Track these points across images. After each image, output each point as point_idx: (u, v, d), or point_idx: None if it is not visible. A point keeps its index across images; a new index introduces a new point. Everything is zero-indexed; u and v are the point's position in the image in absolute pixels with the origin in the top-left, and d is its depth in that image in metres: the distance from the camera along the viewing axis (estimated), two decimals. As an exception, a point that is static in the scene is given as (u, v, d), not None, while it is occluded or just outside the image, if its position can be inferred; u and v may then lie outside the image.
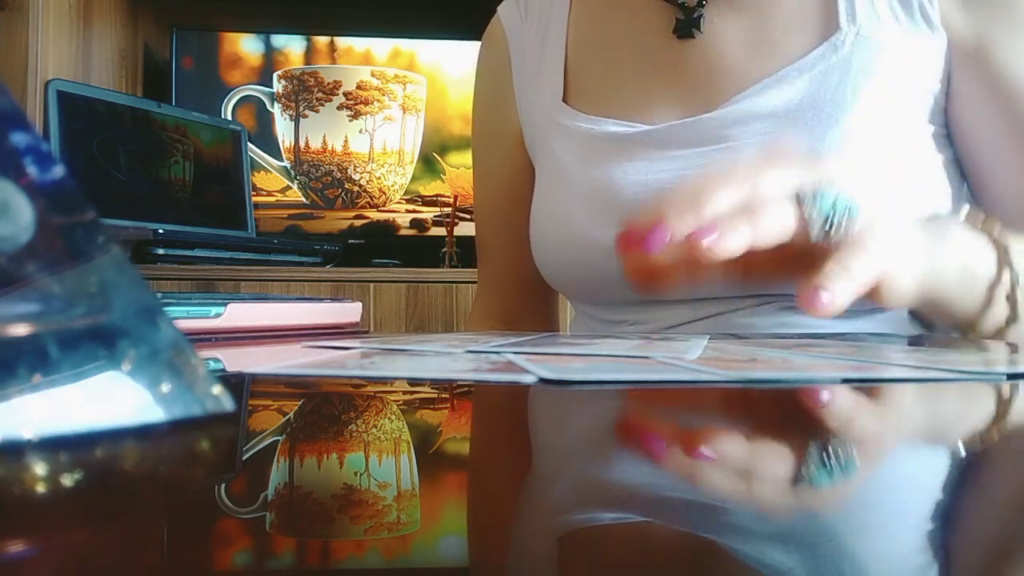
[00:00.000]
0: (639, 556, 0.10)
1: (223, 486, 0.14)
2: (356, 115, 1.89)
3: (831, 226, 0.39)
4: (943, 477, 0.15)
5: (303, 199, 1.88)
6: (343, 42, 1.92)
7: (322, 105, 1.88)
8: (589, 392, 0.23)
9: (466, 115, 1.85)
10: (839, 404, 0.21)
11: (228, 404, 0.17)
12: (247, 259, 1.60)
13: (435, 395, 0.25)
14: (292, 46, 1.91)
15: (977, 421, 0.20)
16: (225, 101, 1.87)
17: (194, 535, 0.11)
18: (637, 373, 0.26)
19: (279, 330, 0.52)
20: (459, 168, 1.92)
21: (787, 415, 0.20)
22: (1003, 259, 0.47)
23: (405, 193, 1.92)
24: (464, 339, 0.42)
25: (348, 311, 0.60)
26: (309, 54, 1.91)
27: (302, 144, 1.88)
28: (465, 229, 1.79)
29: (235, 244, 1.62)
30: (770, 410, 0.21)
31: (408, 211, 1.92)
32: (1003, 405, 0.23)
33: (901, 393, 0.24)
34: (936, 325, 0.51)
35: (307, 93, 1.89)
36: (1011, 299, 0.47)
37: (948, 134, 0.62)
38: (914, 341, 0.50)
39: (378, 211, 1.90)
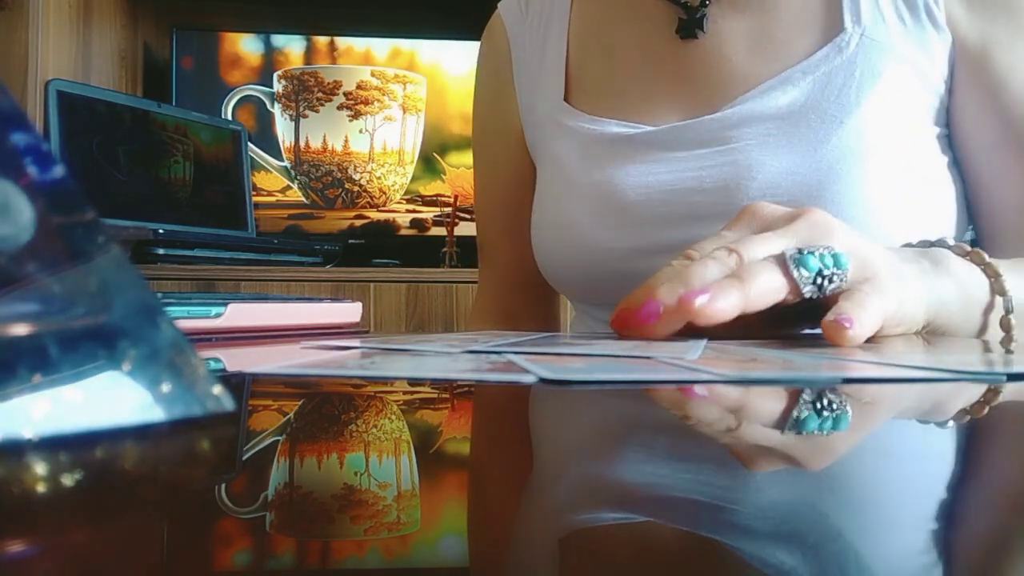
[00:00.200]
0: (639, 557, 0.10)
1: (223, 486, 0.14)
2: (356, 115, 1.89)
3: (822, 283, 0.40)
4: (943, 477, 0.15)
5: (303, 199, 1.88)
6: (343, 42, 1.92)
7: (322, 105, 1.89)
8: (589, 392, 0.23)
9: (466, 115, 1.85)
10: (839, 404, 0.21)
11: (228, 404, 0.17)
12: (247, 259, 1.60)
13: (435, 395, 0.25)
14: (292, 46, 1.91)
15: (977, 421, 0.20)
16: (225, 101, 1.87)
17: (194, 535, 0.11)
18: (637, 373, 0.26)
19: (279, 330, 0.52)
20: (459, 168, 1.92)
21: (787, 415, 0.20)
22: (995, 286, 0.48)
23: (405, 193, 1.92)
24: (464, 339, 0.42)
25: (348, 311, 0.60)
26: (309, 54, 1.91)
27: (302, 144, 1.88)
28: (465, 229, 1.79)
29: (235, 244, 1.62)
30: (770, 410, 0.21)
31: (408, 211, 1.92)
32: (1003, 405, 0.23)
33: (901, 393, 0.24)
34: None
35: (307, 93, 1.89)
36: (1004, 324, 0.48)
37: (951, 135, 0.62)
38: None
39: (378, 211, 1.90)
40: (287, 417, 0.21)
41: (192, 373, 0.17)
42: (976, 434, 0.19)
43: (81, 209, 0.17)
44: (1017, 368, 0.26)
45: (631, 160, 0.63)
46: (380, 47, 1.93)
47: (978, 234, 0.64)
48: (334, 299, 0.62)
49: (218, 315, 0.47)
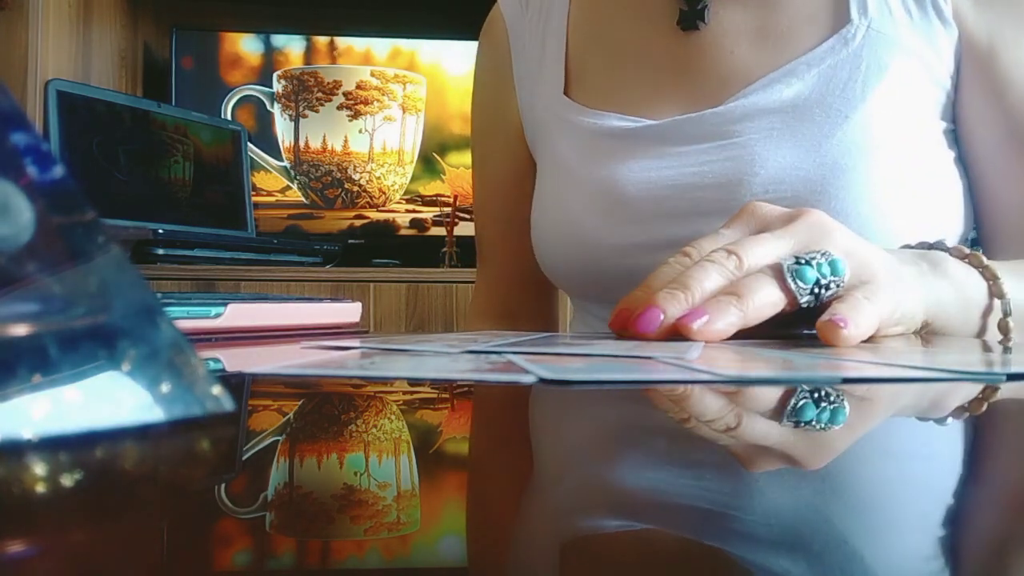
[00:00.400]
0: (639, 557, 0.10)
1: (223, 486, 0.14)
2: (356, 115, 1.89)
3: (819, 292, 0.40)
4: (944, 477, 0.15)
5: (303, 199, 1.88)
6: (343, 42, 1.92)
7: (322, 105, 1.89)
8: (589, 392, 0.23)
9: (466, 115, 1.85)
10: (838, 404, 0.21)
11: (228, 404, 0.17)
12: (247, 259, 1.60)
13: (435, 395, 0.25)
14: (292, 46, 1.91)
15: (977, 421, 0.20)
16: (225, 101, 1.87)
17: (194, 535, 0.11)
18: (637, 373, 0.26)
19: (279, 330, 0.52)
20: (459, 168, 1.92)
21: (787, 415, 0.20)
22: (994, 288, 0.48)
23: (405, 193, 1.92)
24: (464, 339, 0.42)
25: (348, 311, 0.60)
26: (309, 54, 1.91)
27: (302, 144, 1.88)
28: (465, 229, 1.79)
29: (235, 244, 1.62)
30: (770, 410, 0.21)
31: (408, 211, 1.92)
32: (1003, 405, 0.23)
33: (901, 393, 0.24)
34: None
35: (307, 93, 1.89)
36: (1002, 326, 0.48)
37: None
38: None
39: (378, 211, 1.90)
40: (287, 417, 0.21)
41: (192, 373, 0.17)
42: (977, 434, 0.19)
43: (81, 209, 0.17)
44: (1016, 368, 0.26)
45: (632, 155, 0.62)
46: (380, 47, 1.92)
47: (980, 233, 0.64)
48: (334, 299, 0.62)
49: (218, 315, 0.47)
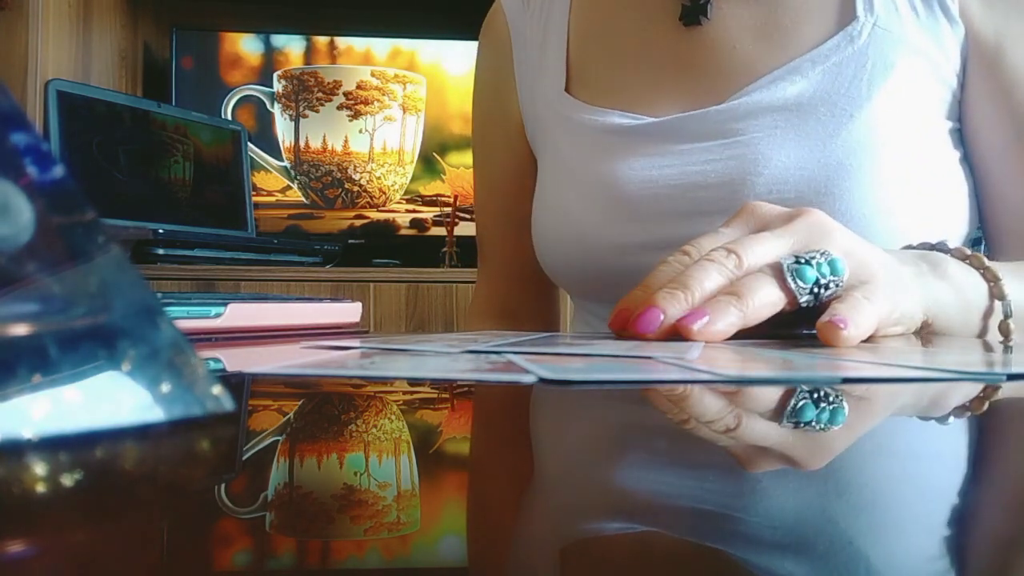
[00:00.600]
0: (638, 558, 0.10)
1: (223, 486, 0.14)
2: (356, 115, 1.89)
3: (818, 292, 0.40)
4: (945, 477, 0.15)
5: (303, 199, 1.88)
6: (343, 42, 1.92)
7: (322, 105, 1.89)
8: (589, 392, 0.23)
9: (466, 115, 1.85)
10: (838, 404, 0.21)
11: (228, 404, 0.17)
12: (247, 259, 1.60)
13: (435, 395, 0.25)
14: (292, 46, 1.91)
15: (978, 421, 0.20)
16: (225, 101, 1.87)
17: (194, 535, 0.11)
18: (637, 373, 0.26)
19: (279, 330, 0.52)
20: (459, 168, 1.92)
21: (787, 416, 0.20)
22: (994, 290, 0.48)
23: (405, 193, 1.92)
24: (464, 339, 0.42)
25: (348, 311, 0.60)
26: (309, 54, 1.91)
27: (302, 144, 1.88)
28: (465, 229, 1.79)
29: (235, 244, 1.62)
30: (770, 410, 0.21)
31: (408, 211, 1.92)
32: (1003, 405, 0.23)
33: (901, 393, 0.24)
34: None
35: (307, 93, 1.89)
36: (1003, 328, 0.48)
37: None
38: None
39: (378, 211, 1.90)
40: (287, 417, 0.21)
41: (192, 373, 0.17)
42: (977, 434, 0.19)
43: (81, 209, 0.17)
44: (1017, 368, 0.26)
45: (633, 152, 0.62)
46: (380, 47, 1.93)
47: (984, 232, 0.63)
48: (334, 299, 0.61)
49: (218, 315, 0.47)
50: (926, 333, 0.46)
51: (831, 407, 0.21)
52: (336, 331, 0.57)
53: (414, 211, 1.92)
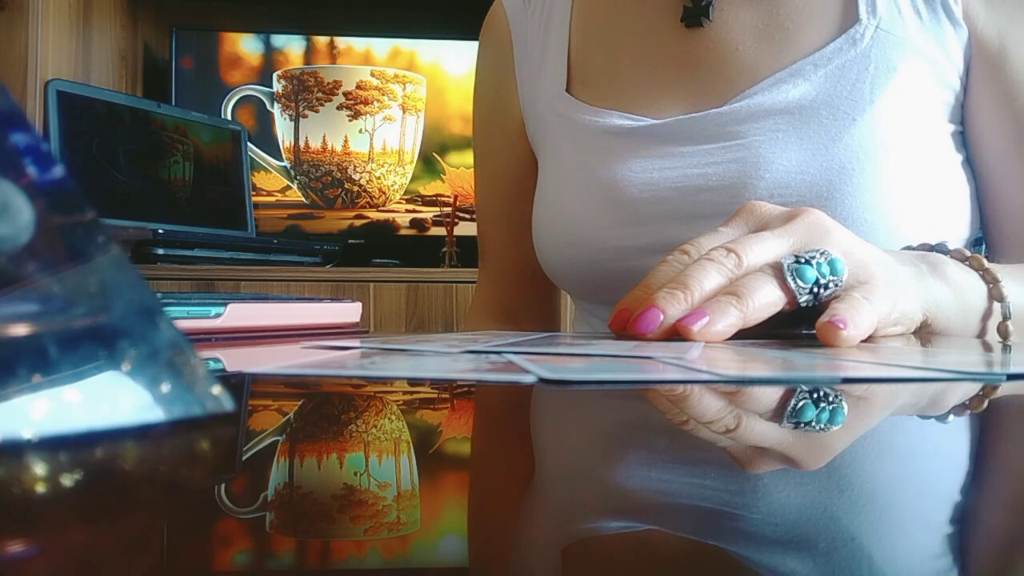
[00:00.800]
0: (639, 557, 0.10)
1: (223, 486, 0.14)
2: (356, 115, 1.89)
3: (818, 291, 0.40)
4: (946, 476, 0.15)
5: (303, 199, 1.88)
6: (343, 42, 1.92)
7: (322, 105, 1.89)
8: (589, 392, 0.23)
9: (466, 115, 1.85)
10: (838, 404, 0.21)
11: (228, 404, 0.17)
12: (247, 259, 1.60)
13: (435, 395, 0.25)
14: (292, 46, 1.91)
15: (978, 420, 0.20)
16: (225, 101, 1.87)
17: (194, 535, 0.11)
18: (637, 373, 0.26)
19: (279, 330, 0.52)
20: (459, 168, 1.92)
21: (788, 416, 0.20)
22: (994, 292, 0.48)
23: (405, 193, 1.92)
24: (464, 339, 0.42)
25: (348, 311, 0.60)
26: (309, 54, 1.91)
27: (302, 144, 1.88)
28: (465, 229, 1.79)
29: (235, 244, 1.62)
30: (770, 410, 0.21)
31: (408, 211, 1.92)
32: (1003, 404, 0.23)
33: (900, 393, 0.24)
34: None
35: (307, 93, 1.89)
36: (1002, 330, 0.48)
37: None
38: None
39: (378, 211, 1.90)
40: (287, 417, 0.21)
41: (192, 373, 0.17)
42: (977, 433, 0.19)
43: (81, 209, 0.17)
44: (1016, 368, 0.26)
45: (634, 154, 0.62)
46: (380, 47, 1.92)
47: (986, 235, 0.63)
48: (334, 299, 0.61)
49: (218, 315, 0.47)
50: (925, 333, 0.46)
51: (831, 407, 0.21)
52: (336, 331, 0.57)
53: (414, 211, 1.92)
